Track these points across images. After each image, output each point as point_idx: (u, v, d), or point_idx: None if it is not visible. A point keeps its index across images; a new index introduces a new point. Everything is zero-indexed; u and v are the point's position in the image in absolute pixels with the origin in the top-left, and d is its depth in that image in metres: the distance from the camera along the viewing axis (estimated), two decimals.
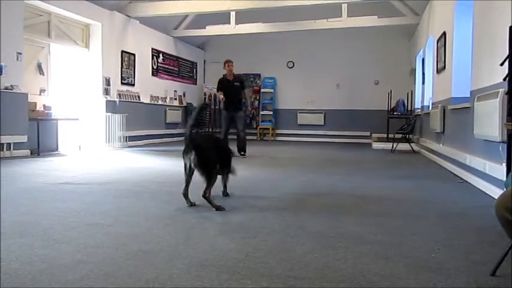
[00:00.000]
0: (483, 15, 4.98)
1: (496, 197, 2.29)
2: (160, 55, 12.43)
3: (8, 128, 7.08)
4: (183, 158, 3.54)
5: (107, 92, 9.89)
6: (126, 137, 10.12)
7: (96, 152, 8.64)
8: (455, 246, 2.59)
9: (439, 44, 7.64)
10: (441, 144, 7.07)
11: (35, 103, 7.94)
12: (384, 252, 2.42)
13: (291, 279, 2.00)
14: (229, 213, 3.36)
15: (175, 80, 13.27)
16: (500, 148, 3.88)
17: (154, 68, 12.18)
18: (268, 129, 14.27)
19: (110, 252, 2.36)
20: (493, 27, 4.48)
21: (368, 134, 13.05)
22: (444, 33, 7.10)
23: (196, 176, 3.53)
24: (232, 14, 11.52)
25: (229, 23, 11.76)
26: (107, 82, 9.91)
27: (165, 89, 12.69)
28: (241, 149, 8.29)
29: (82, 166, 6.52)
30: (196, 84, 14.60)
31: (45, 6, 8.37)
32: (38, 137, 7.65)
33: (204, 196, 3.40)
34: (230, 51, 14.25)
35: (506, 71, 3.01)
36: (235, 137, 8.46)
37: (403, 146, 9.61)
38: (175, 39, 13.13)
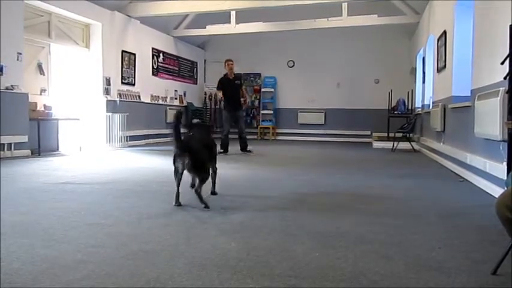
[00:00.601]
0: (483, 14, 4.98)
1: (497, 196, 2.29)
2: (161, 55, 12.43)
3: (9, 128, 7.08)
4: (175, 161, 3.52)
5: (107, 91, 9.89)
6: (126, 136, 10.12)
7: (96, 151, 8.64)
8: (455, 245, 2.59)
9: (439, 42, 7.63)
10: (442, 143, 7.07)
11: (36, 103, 7.94)
12: (384, 252, 2.42)
13: (292, 278, 2.00)
14: (229, 213, 3.36)
15: (175, 80, 13.27)
16: (500, 147, 3.88)
17: (155, 67, 12.18)
18: (269, 128, 14.27)
19: (110, 252, 2.36)
20: (493, 26, 4.48)
21: (368, 133, 13.04)
22: (445, 32, 7.10)
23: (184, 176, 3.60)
24: (233, 13, 11.52)
25: (229, 22, 11.76)
26: (108, 82, 9.91)
27: (166, 88, 12.69)
28: (245, 148, 8.49)
29: (83, 166, 6.52)
30: (196, 83, 14.61)
31: (45, 6, 8.36)
32: (39, 137, 7.65)
33: (196, 191, 3.49)
34: (230, 50, 14.25)
35: (507, 70, 3.01)
36: (235, 136, 8.53)
37: (404, 145, 9.61)
38: (175, 39, 13.13)
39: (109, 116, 9.69)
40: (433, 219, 3.29)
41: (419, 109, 10.42)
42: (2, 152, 7.03)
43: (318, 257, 2.32)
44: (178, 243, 2.55)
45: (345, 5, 10.68)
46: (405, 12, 10.95)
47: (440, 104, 7.12)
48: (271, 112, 14.35)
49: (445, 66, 7.12)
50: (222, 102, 8.80)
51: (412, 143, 9.71)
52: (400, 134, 9.70)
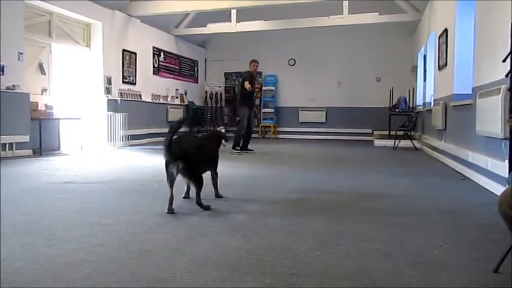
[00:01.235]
0: (485, 11, 4.96)
1: (499, 194, 2.29)
2: (162, 54, 12.43)
3: (10, 128, 7.09)
4: (167, 167, 3.29)
5: (108, 91, 9.90)
6: (127, 135, 10.13)
7: (98, 151, 8.65)
8: (457, 243, 2.59)
9: (440, 40, 7.62)
10: (443, 141, 7.06)
11: (37, 103, 7.95)
12: (386, 250, 2.42)
13: (293, 276, 2.00)
14: (230, 212, 3.36)
15: (176, 79, 13.27)
16: (502, 145, 3.87)
17: (156, 66, 12.18)
18: (270, 127, 14.28)
19: (112, 251, 2.37)
20: (494, 24, 4.47)
21: (370, 131, 13.02)
22: (446, 30, 7.08)
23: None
24: (233, 12, 11.52)
25: (230, 21, 11.76)
26: (108, 81, 9.92)
27: (167, 87, 12.69)
28: (247, 146, 8.58)
29: (84, 165, 6.53)
30: (197, 82, 14.61)
31: (46, 6, 8.37)
32: (40, 136, 7.66)
33: (198, 202, 3.32)
34: (231, 49, 14.31)
35: (508, 68, 3.00)
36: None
37: (405, 143, 9.60)
38: (176, 38, 13.13)
39: (110, 115, 9.69)
40: (434, 217, 3.29)
41: (421, 107, 10.41)
42: (3, 152, 7.04)
43: (319, 256, 2.32)
44: (179, 242, 2.55)
45: (345, 3, 10.67)
46: (406, 10, 10.92)
47: (441, 102, 7.11)
48: (272, 110, 14.35)
49: (446, 64, 7.10)
50: (241, 100, 8.69)
51: (413, 141, 9.69)
52: (402, 132, 9.70)
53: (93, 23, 9.71)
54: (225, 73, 14.85)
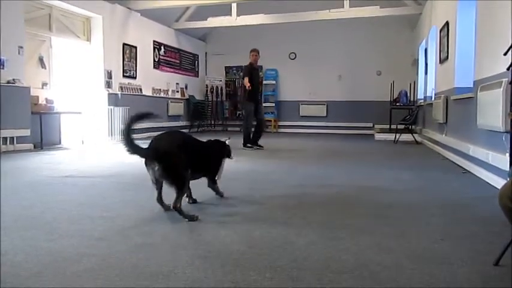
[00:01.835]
0: (486, 4, 4.94)
1: (499, 187, 2.29)
2: (162, 47, 12.40)
3: (11, 122, 7.09)
4: (147, 169, 3.01)
5: (108, 85, 9.89)
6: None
7: (98, 145, 8.65)
8: (458, 236, 2.59)
9: (441, 34, 7.59)
10: (444, 135, 7.05)
11: (37, 97, 7.95)
12: (386, 243, 2.42)
13: (295, 270, 2.01)
14: (232, 206, 3.37)
15: (177, 73, 13.25)
16: (503, 138, 3.87)
17: (156, 60, 12.16)
18: (271, 121, 14.26)
19: (113, 244, 2.37)
20: (496, 17, 4.45)
21: (370, 125, 13.01)
22: (447, 23, 7.05)
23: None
24: (234, 5, 11.47)
25: (230, 14, 11.71)
26: (109, 75, 9.90)
27: (167, 81, 12.67)
28: (258, 139, 8.15)
29: (85, 159, 6.54)
30: (198, 76, 14.58)
31: None
32: (41, 130, 7.67)
33: (174, 207, 2.88)
34: (232, 43, 14.26)
35: (510, 61, 2.99)
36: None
37: (406, 137, 9.60)
38: (176, 32, 13.09)
39: (111, 109, 9.69)
40: (435, 210, 3.30)
41: (422, 101, 10.39)
42: (4, 146, 7.05)
43: (320, 249, 2.32)
44: (181, 236, 2.56)
45: None
46: (407, 3, 10.88)
47: (442, 95, 7.10)
48: (273, 104, 14.33)
49: (447, 57, 7.08)
50: (244, 93, 8.12)
51: (414, 134, 9.69)
52: (402, 126, 9.69)
53: (93, 16, 9.68)
54: (225, 67, 14.82)
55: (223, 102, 14.79)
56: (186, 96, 13.63)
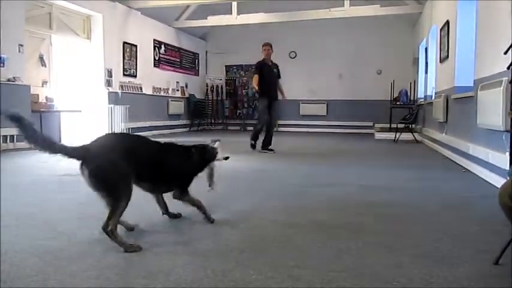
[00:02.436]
0: (486, 4, 4.93)
1: (499, 186, 2.29)
2: (162, 46, 12.39)
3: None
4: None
5: (109, 83, 9.89)
6: (128, 128, 10.12)
7: None
8: (458, 235, 2.59)
9: (442, 33, 7.58)
10: (444, 134, 7.05)
11: (37, 95, 7.94)
12: (386, 242, 2.42)
13: (295, 268, 2.01)
14: (232, 204, 3.37)
15: (177, 71, 13.24)
16: (503, 137, 3.87)
17: (156, 59, 12.15)
18: None
19: (113, 242, 2.37)
20: (496, 16, 4.44)
21: (371, 124, 13.01)
22: (447, 22, 7.05)
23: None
24: (234, 4, 11.45)
25: (230, 13, 11.70)
26: (109, 74, 9.90)
27: (167, 80, 12.67)
28: (269, 142, 7.39)
29: None
30: (198, 75, 14.58)
31: None
32: (41, 129, 7.63)
33: (104, 229, 2.23)
34: (232, 41, 14.26)
35: (510, 60, 2.99)
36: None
37: (406, 136, 9.60)
38: (177, 30, 13.08)
39: (111, 107, 9.69)
40: (435, 209, 3.30)
41: (422, 100, 10.38)
42: (4, 144, 7.04)
43: (320, 248, 2.32)
44: (181, 234, 2.56)
45: None
46: (408, 2, 10.87)
47: (442, 94, 7.09)
48: None
49: (447, 56, 7.08)
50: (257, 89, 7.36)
51: (414, 133, 9.69)
52: (403, 125, 9.69)
53: (93, 15, 9.67)
54: (225, 66, 14.81)
55: (223, 101, 14.79)
56: (186, 95, 13.63)
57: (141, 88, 11.11)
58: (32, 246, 2.29)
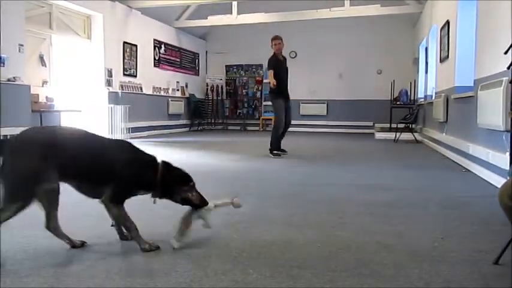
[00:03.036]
0: (487, 3, 4.93)
1: (499, 186, 2.29)
2: (162, 46, 12.39)
3: (11, 120, 7.08)
4: None
5: (109, 83, 9.88)
6: (128, 128, 10.12)
7: None
8: (458, 235, 2.59)
9: (442, 33, 7.58)
10: (444, 134, 7.05)
11: (38, 95, 7.93)
12: (386, 242, 2.42)
13: (294, 268, 2.01)
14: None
15: (177, 71, 13.24)
16: (503, 137, 3.87)
17: (157, 59, 12.14)
18: (271, 119, 14.22)
19: (114, 243, 2.37)
20: (496, 15, 4.44)
21: (371, 124, 13.00)
22: (448, 22, 7.05)
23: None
24: (234, 4, 11.45)
25: (231, 13, 11.70)
26: (109, 73, 9.90)
27: (168, 80, 12.66)
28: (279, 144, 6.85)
29: None
30: (198, 75, 14.57)
31: None
32: None
33: None
34: (232, 41, 14.26)
35: (510, 60, 2.98)
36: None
37: (406, 136, 9.60)
38: (177, 30, 13.07)
39: (111, 107, 9.69)
40: (435, 209, 3.30)
41: (422, 100, 10.39)
42: None
43: (319, 247, 2.32)
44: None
45: None
46: (408, 2, 10.87)
47: (443, 94, 7.09)
48: None
49: (448, 56, 7.08)
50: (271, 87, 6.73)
51: (414, 133, 9.69)
52: (403, 125, 9.69)
53: (93, 14, 9.67)
54: (226, 66, 14.80)
55: (223, 101, 14.78)
56: (187, 95, 13.62)
57: (141, 88, 11.11)
58: (32, 245, 2.30)
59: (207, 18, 12.20)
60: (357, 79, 13.47)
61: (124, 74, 10.46)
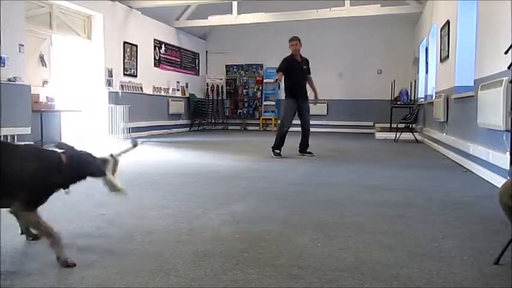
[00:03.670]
0: (487, 3, 4.93)
1: (500, 186, 2.29)
2: (163, 46, 12.39)
3: (11, 120, 7.09)
4: None
5: (109, 83, 9.89)
6: (129, 128, 10.13)
7: (99, 143, 8.65)
8: (458, 235, 2.59)
9: (442, 32, 7.58)
10: (444, 134, 7.05)
11: (38, 95, 7.94)
12: (386, 241, 2.42)
13: (295, 268, 2.01)
14: (232, 204, 3.37)
15: (177, 71, 13.24)
16: (503, 137, 3.87)
17: (157, 59, 12.15)
18: (271, 119, 14.26)
19: (114, 242, 2.38)
20: (497, 15, 4.44)
21: (371, 123, 13.00)
22: (448, 22, 7.05)
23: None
24: (234, 3, 11.45)
25: (231, 13, 11.70)
26: (110, 73, 9.90)
27: (168, 79, 12.67)
28: (306, 145, 7.02)
29: None
30: (198, 75, 14.58)
31: None
32: (42, 128, 7.66)
33: None
34: (232, 41, 14.27)
35: (510, 60, 2.98)
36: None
37: (406, 136, 9.59)
38: (177, 30, 13.08)
39: (111, 107, 9.70)
40: (435, 209, 3.29)
41: (422, 99, 10.38)
42: None
43: (320, 247, 2.33)
44: (182, 234, 2.56)
45: None
46: (408, 1, 10.87)
47: (443, 94, 7.09)
48: (274, 103, 14.32)
49: (448, 56, 7.08)
50: (283, 88, 6.94)
51: (414, 133, 9.68)
52: (403, 125, 9.68)
53: (93, 14, 9.67)
54: (226, 65, 14.80)
55: (223, 101, 14.78)
56: (187, 95, 13.63)
57: (141, 88, 11.12)
58: (32, 245, 2.30)
59: (207, 18, 12.20)
60: (357, 79, 13.47)
61: (124, 74, 10.47)
